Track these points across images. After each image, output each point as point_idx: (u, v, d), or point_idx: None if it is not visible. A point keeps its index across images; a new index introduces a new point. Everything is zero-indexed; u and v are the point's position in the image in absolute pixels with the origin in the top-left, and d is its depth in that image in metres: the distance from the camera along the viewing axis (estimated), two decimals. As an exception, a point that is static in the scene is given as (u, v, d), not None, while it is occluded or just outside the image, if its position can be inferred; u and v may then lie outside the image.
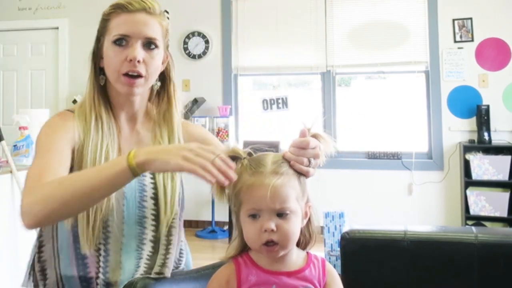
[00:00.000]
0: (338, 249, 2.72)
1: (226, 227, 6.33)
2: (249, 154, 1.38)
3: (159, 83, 1.70)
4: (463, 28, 5.93)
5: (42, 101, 7.06)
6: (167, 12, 6.66)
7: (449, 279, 1.91)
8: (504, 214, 5.44)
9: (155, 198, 1.61)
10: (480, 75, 5.87)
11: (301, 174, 1.35)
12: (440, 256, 1.94)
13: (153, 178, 1.61)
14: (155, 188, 1.61)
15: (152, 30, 1.59)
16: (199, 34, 6.60)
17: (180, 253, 1.76)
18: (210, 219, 6.41)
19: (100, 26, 1.69)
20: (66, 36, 7.02)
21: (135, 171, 1.31)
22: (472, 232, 1.95)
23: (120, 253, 1.59)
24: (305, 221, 1.38)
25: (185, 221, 6.24)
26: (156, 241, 1.62)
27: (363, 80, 6.68)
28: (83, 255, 1.56)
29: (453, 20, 5.96)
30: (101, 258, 1.58)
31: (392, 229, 2.03)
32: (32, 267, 1.67)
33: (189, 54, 6.63)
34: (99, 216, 1.52)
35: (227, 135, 6.23)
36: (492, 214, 5.47)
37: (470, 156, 5.52)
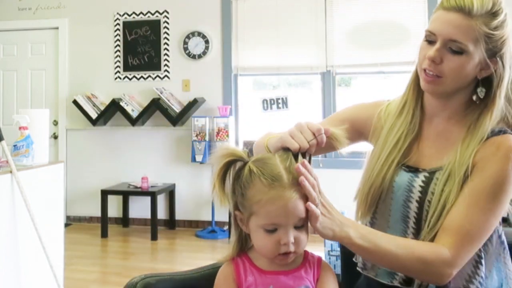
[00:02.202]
0: (338, 249, 2.72)
1: (226, 227, 6.32)
2: (248, 154, 1.37)
3: (483, 90, 1.55)
4: (463, 28, 5.92)
5: (42, 101, 7.07)
6: (168, 12, 6.67)
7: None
8: (504, 214, 5.43)
9: (420, 202, 1.55)
10: (480, 75, 5.87)
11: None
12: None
13: (425, 182, 1.56)
14: (423, 192, 1.55)
15: (460, 33, 1.47)
16: (199, 34, 6.60)
17: (475, 271, 1.55)
18: (210, 219, 6.41)
19: None
20: (66, 36, 7.02)
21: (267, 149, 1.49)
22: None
23: None
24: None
25: (184, 221, 6.21)
26: None
27: (363, 80, 6.68)
28: None
29: (453, 20, 5.95)
30: None
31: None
32: None
33: (189, 54, 6.63)
34: (371, 194, 1.63)
35: (227, 135, 6.23)
36: (492, 214, 5.47)
37: (470, 156, 5.51)
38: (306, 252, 1.39)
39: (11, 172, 2.82)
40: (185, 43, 6.64)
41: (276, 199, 1.27)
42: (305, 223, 1.31)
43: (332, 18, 6.29)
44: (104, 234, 6.24)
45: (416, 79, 1.65)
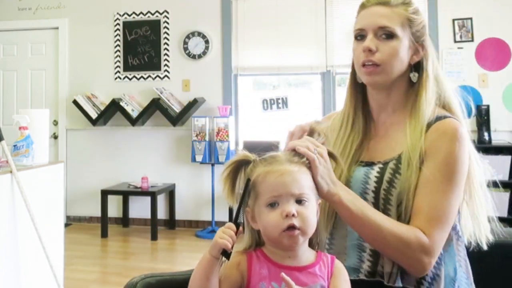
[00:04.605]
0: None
1: (226, 227, 6.31)
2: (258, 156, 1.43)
3: (416, 74, 1.69)
4: (463, 28, 5.93)
5: (42, 101, 7.07)
6: (168, 12, 6.67)
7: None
8: (504, 214, 5.44)
9: (376, 192, 1.61)
10: (480, 75, 5.88)
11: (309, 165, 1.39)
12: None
13: (379, 172, 1.62)
14: (378, 182, 1.61)
15: (386, 20, 1.62)
16: (199, 34, 6.60)
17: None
18: (210, 219, 6.41)
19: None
20: (66, 36, 7.02)
21: None
22: (472, 232, 1.94)
23: (345, 239, 1.65)
24: (316, 218, 1.37)
25: (185, 221, 6.21)
26: None
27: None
28: None
29: (453, 20, 5.96)
30: (327, 241, 1.68)
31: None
32: None
33: (189, 54, 6.63)
34: None
35: (227, 135, 6.22)
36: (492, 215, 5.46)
37: (470, 156, 5.50)
38: (319, 252, 1.40)
39: (11, 172, 2.82)
40: (185, 43, 6.64)
41: (273, 172, 1.34)
42: (309, 202, 1.33)
43: (332, 18, 6.29)
44: (104, 234, 6.24)
45: (352, 86, 1.77)
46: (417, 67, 1.68)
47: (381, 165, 1.62)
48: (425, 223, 1.50)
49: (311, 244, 1.40)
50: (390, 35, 1.61)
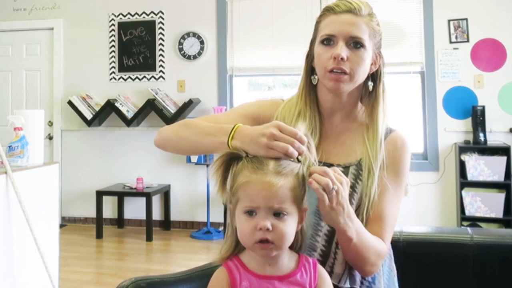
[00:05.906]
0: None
1: (221, 228, 6.32)
2: (248, 154, 1.39)
3: (371, 83, 1.72)
4: (459, 28, 5.94)
5: (37, 102, 7.06)
6: (163, 13, 6.66)
7: (444, 280, 1.91)
8: (500, 215, 5.45)
9: None
10: (476, 75, 5.88)
11: (303, 178, 1.37)
12: (435, 257, 1.94)
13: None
14: None
15: (357, 29, 1.62)
16: (194, 34, 6.60)
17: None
18: (205, 220, 6.41)
19: (314, 29, 1.74)
20: (61, 36, 7.01)
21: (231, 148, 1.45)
22: (468, 233, 1.95)
23: None
24: (300, 226, 1.36)
25: (180, 222, 6.19)
26: (330, 236, 1.62)
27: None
28: None
29: (449, 20, 5.97)
30: None
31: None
32: None
33: (184, 55, 6.62)
34: None
35: (223, 136, 6.21)
36: (487, 215, 5.48)
37: (465, 157, 5.52)
38: (300, 255, 1.39)
39: (6, 173, 2.81)
40: (180, 43, 6.64)
41: (256, 182, 1.30)
42: (288, 216, 1.31)
43: (328, 19, 6.28)
44: (99, 235, 6.22)
45: (306, 85, 1.75)
46: (372, 76, 1.73)
47: (341, 169, 1.60)
48: (384, 230, 1.60)
49: (292, 247, 1.38)
50: (360, 45, 1.62)
